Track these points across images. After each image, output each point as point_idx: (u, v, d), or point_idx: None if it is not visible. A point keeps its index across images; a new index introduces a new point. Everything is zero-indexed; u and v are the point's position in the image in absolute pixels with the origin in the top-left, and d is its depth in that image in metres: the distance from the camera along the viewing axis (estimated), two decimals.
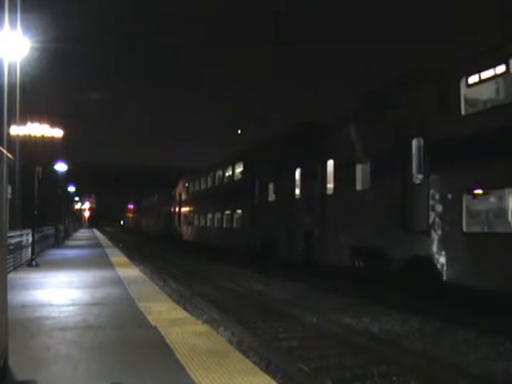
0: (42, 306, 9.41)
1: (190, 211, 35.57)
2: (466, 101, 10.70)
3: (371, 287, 13.38)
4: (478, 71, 10.36)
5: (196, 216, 33.38)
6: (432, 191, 11.32)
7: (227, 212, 26.44)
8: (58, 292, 11.27)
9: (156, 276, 18.62)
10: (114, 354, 5.97)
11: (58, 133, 33.72)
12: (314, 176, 16.80)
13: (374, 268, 13.28)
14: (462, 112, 10.67)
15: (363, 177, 14.11)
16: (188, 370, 5.24)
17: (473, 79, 10.48)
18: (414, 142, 11.89)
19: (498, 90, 10.57)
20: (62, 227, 42.02)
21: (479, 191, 10.75)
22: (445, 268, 10.87)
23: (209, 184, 30.88)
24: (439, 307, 11.08)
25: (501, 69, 9.84)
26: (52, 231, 32.52)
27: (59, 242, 34.91)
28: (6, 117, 17.51)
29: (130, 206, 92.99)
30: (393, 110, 12.77)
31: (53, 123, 31.31)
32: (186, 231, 36.31)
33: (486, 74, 10.23)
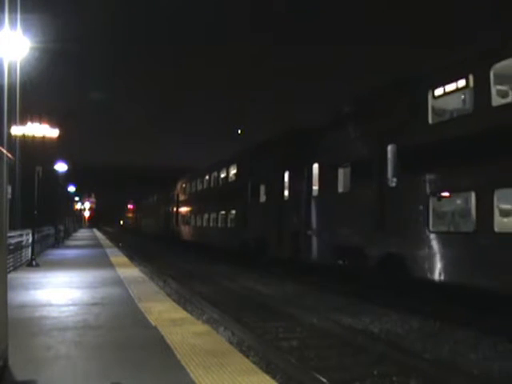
0: (42, 305, 9.41)
1: (187, 212, 36.37)
2: (433, 111, 11.66)
3: (352, 283, 13.73)
4: (443, 84, 11.38)
5: (193, 216, 34.21)
6: (404, 194, 12.29)
7: (222, 212, 27.23)
8: (58, 292, 11.27)
9: (156, 276, 18.63)
10: (114, 354, 5.97)
11: (58, 132, 33.73)
12: (301, 179, 17.65)
13: (353, 265, 14.16)
14: (430, 121, 11.60)
15: (344, 180, 15.00)
16: (188, 370, 5.24)
17: (439, 91, 11.48)
18: (389, 148, 12.78)
19: (460, 102, 11.66)
20: (62, 227, 42.03)
21: (444, 194, 11.62)
22: (414, 264, 11.80)
23: (205, 185, 31.80)
24: (439, 307, 11.10)
25: (462, 83, 10.89)
26: (52, 231, 32.52)
27: (59, 241, 34.90)
28: (6, 117, 17.51)
29: (130, 206, 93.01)
30: (370, 118, 13.72)
31: (53, 123, 31.30)
32: (184, 231, 37.08)
33: (450, 87, 11.24)
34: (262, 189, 21.51)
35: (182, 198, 38.69)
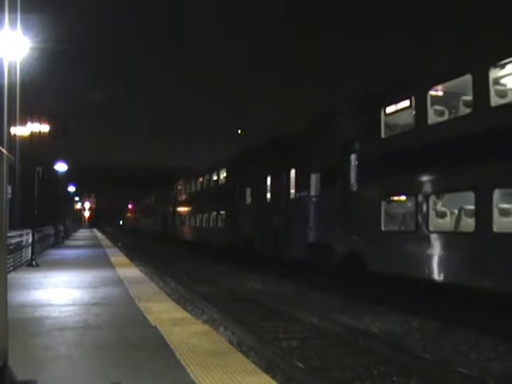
0: (42, 305, 9.41)
1: (182, 212, 38.07)
2: (386, 126, 13.29)
3: (319, 277, 14.35)
4: (392, 103, 13.09)
5: (188, 217, 35.97)
6: (362, 198, 13.90)
7: (213, 213, 29.02)
8: (58, 292, 11.27)
9: (156, 276, 18.63)
10: (113, 354, 5.97)
11: (57, 132, 33.74)
12: (280, 183, 19.37)
13: (324, 261, 15.40)
14: (382, 135, 13.29)
15: (316, 185, 16.63)
16: (188, 370, 5.24)
17: (389, 109, 13.19)
18: (352, 157, 14.39)
19: (405, 119, 12.93)
20: (62, 227, 42.03)
21: (393, 198, 13.46)
22: (369, 260, 13.36)
23: (198, 187, 33.61)
24: (439, 307, 11.10)
25: (406, 103, 12.55)
26: (52, 231, 32.51)
27: (59, 241, 34.91)
28: (6, 117, 17.51)
29: (130, 207, 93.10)
30: (337, 130, 15.47)
31: (53, 123, 31.31)
32: (180, 231, 38.62)
33: (398, 106, 12.92)
34: (248, 192, 23.18)
35: (177, 199, 40.28)
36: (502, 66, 10.47)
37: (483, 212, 9.99)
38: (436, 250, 11.38)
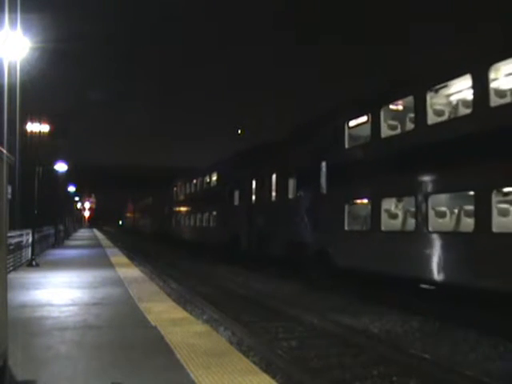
0: (42, 305, 9.41)
1: (178, 212, 39.90)
2: (349, 138, 15.02)
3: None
4: (354, 118, 14.92)
5: (183, 217, 37.85)
6: (330, 201, 15.53)
7: (206, 214, 30.84)
8: (58, 292, 11.27)
9: (156, 276, 18.63)
10: (113, 354, 5.97)
11: (58, 132, 33.73)
12: (263, 186, 21.06)
13: (299, 257, 17.03)
14: (346, 146, 15.03)
15: (293, 188, 18.29)
16: (188, 370, 5.24)
17: (351, 123, 14.93)
18: (323, 164, 15.94)
19: (364, 132, 14.52)
20: (62, 227, 42.03)
21: (354, 201, 15.00)
22: (334, 255, 15.01)
23: (193, 189, 35.56)
24: (439, 307, 11.10)
25: (364, 118, 14.40)
26: (52, 231, 32.52)
27: (59, 241, 34.90)
28: (6, 117, 17.51)
29: (129, 207, 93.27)
30: (310, 140, 17.17)
31: (53, 123, 31.29)
32: (176, 230, 40.31)
33: (358, 120, 14.74)
34: (236, 194, 24.85)
35: (174, 200, 42.01)
36: (437, 91, 12.11)
37: (422, 214, 11.71)
38: (388, 246, 12.98)
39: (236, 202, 24.88)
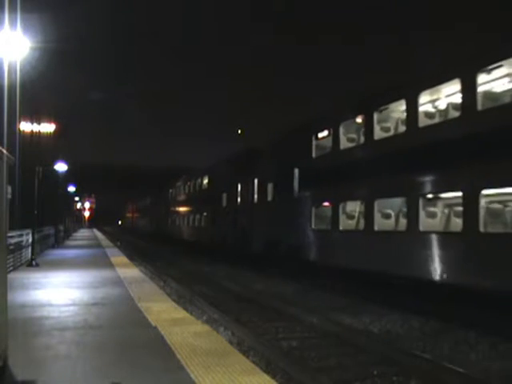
0: (42, 305, 9.41)
1: (174, 213, 42.28)
2: (316, 148, 17.16)
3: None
4: (319, 131, 17.20)
5: (178, 217, 40.19)
6: (301, 203, 17.56)
7: (198, 214, 33.16)
8: (58, 292, 11.26)
9: (156, 276, 18.63)
10: (114, 354, 5.96)
11: (57, 132, 33.72)
12: (247, 189, 23.19)
13: (276, 253, 19.14)
14: (313, 155, 17.15)
15: (271, 192, 20.44)
16: (188, 370, 5.24)
17: (319, 135, 17.22)
18: (295, 171, 17.97)
19: (327, 144, 16.58)
20: (62, 227, 42.01)
21: (319, 203, 17.04)
22: (303, 251, 17.21)
23: (187, 191, 37.91)
24: (439, 307, 11.10)
25: (327, 132, 16.78)
26: (52, 231, 32.49)
27: (59, 241, 34.88)
28: (6, 116, 17.51)
29: (129, 207, 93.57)
30: (285, 149, 19.50)
31: (53, 123, 31.29)
32: (172, 230, 42.56)
33: (323, 134, 17.06)
34: (224, 196, 26.98)
35: (169, 201, 44.53)
36: (381, 112, 14.31)
37: (370, 215, 13.85)
38: (345, 244, 15.16)
39: (224, 204, 27.03)
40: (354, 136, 15.67)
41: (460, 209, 11.43)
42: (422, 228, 12.03)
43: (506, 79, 11.07)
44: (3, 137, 16.97)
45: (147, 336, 6.88)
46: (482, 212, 10.39)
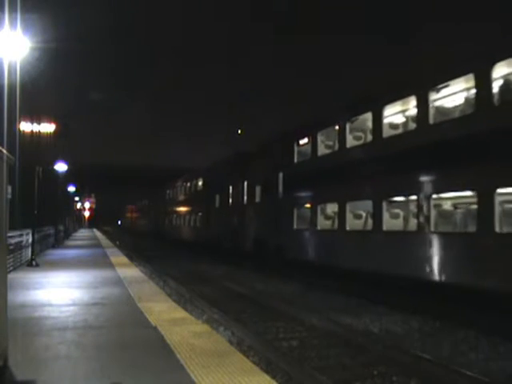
0: (42, 305, 9.41)
1: (170, 214, 43.92)
2: (298, 154, 18.75)
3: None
4: (301, 138, 18.69)
5: (174, 218, 41.89)
6: (284, 205, 19.03)
7: (193, 215, 34.72)
8: (58, 292, 11.26)
9: (156, 276, 18.63)
10: (114, 354, 5.97)
11: (57, 132, 33.70)
12: (238, 191, 24.67)
13: (263, 251, 20.63)
14: (295, 161, 18.78)
15: (259, 194, 22.00)
16: (188, 370, 5.24)
17: (300, 142, 18.74)
18: (280, 175, 19.62)
19: (307, 151, 18.15)
20: (62, 227, 42.01)
21: (300, 205, 18.37)
22: (287, 250, 18.69)
23: (182, 193, 39.64)
24: (439, 307, 11.10)
25: (306, 140, 18.32)
26: (52, 231, 32.48)
27: (59, 241, 34.88)
28: (6, 116, 17.50)
29: (129, 207, 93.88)
30: (270, 155, 21.02)
31: (53, 123, 31.28)
32: (169, 230, 44.23)
33: (304, 141, 18.54)
34: (217, 198, 28.47)
35: (166, 202, 46.18)
36: (353, 122, 15.70)
37: (343, 216, 15.36)
38: (322, 242, 16.79)
39: (217, 205, 28.52)
40: (330, 143, 17.24)
41: (415, 211, 12.71)
42: (385, 228, 13.56)
43: (452, 97, 12.42)
44: (3, 137, 16.97)
45: (147, 336, 6.88)
46: (433, 214, 11.84)
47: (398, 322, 10.46)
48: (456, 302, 10.94)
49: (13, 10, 15.06)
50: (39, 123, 27.43)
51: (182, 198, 39.46)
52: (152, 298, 10.29)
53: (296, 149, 18.73)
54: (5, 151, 5.24)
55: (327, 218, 17.00)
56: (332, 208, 16.69)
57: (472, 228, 11.21)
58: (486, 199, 10.31)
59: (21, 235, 18.65)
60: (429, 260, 11.73)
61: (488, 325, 9.58)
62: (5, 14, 14.53)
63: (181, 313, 8.85)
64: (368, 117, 14.68)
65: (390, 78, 16.69)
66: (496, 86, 10.56)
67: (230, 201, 25.97)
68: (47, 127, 29.82)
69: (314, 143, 17.46)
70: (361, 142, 15.58)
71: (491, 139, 10.24)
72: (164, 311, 8.77)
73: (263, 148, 22.50)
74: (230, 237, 25.21)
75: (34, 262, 18.26)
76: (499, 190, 10.12)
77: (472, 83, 11.03)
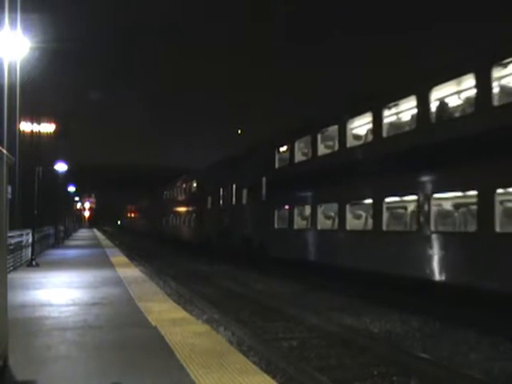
0: (42, 305, 9.41)
1: (167, 214, 45.68)
2: (278, 160, 20.50)
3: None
4: (282, 146, 20.45)
5: (171, 218, 43.77)
6: (267, 206, 20.87)
7: (188, 216, 36.60)
8: (58, 292, 11.27)
9: (156, 276, 18.63)
10: (113, 354, 5.96)
11: (57, 132, 33.71)
12: (228, 193, 26.38)
13: (248, 248, 22.43)
14: (276, 166, 20.56)
15: (246, 196, 23.85)
16: (188, 370, 5.24)
17: (281, 149, 20.54)
18: (263, 179, 21.42)
19: (286, 157, 19.86)
20: (62, 227, 42.02)
21: (281, 207, 20.13)
22: (269, 248, 20.50)
23: (178, 194, 41.52)
24: (439, 307, 11.10)
25: (286, 148, 20.01)
26: (52, 231, 32.49)
27: (59, 241, 34.90)
28: (6, 116, 17.51)
29: (128, 207, 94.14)
30: (255, 160, 22.70)
31: (53, 123, 31.28)
32: (166, 230, 46.01)
33: (284, 148, 20.22)
34: (209, 199, 30.29)
35: (163, 203, 47.90)
36: (323, 133, 17.35)
37: (315, 217, 17.13)
38: (298, 240, 18.27)
39: (209, 206, 30.35)
40: (305, 151, 18.89)
41: (371, 212, 14.48)
42: (348, 227, 15.38)
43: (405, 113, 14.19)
44: (3, 137, 16.97)
45: (147, 336, 6.88)
46: (385, 215, 13.71)
47: (398, 322, 10.45)
48: (456, 302, 10.94)
49: (13, 10, 15.08)
50: (39, 123, 27.43)
51: (177, 198, 41.17)
52: (152, 298, 10.29)
53: (277, 156, 20.61)
54: (5, 151, 5.24)
55: (303, 218, 18.65)
56: (307, 210, 18.38)
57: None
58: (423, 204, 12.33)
59: (21, 235, 18.66)
60: (383, 255, 13.75)
61: (488, 325, 9.58)
62: (5, 14, 14.53)
63: (181, 313, 8.85)
64: (335, 129, 16.54)
65: (352, 98, 19.31)
66: (434, 107, 12.47)
67: (221, 202, 27.72)
68: (47, 127, 29.86)
69: (291, 151, 19.32)
70: (330, 150, 17.21)
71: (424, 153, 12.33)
72: (164, 311, 8.77)
73: (249, 153, 24.28)
74: (221, 235, 26.94)
75: (33, 262, 18.27)
76: (435, 195, 12.13)
77: (414, 103, 13.01)
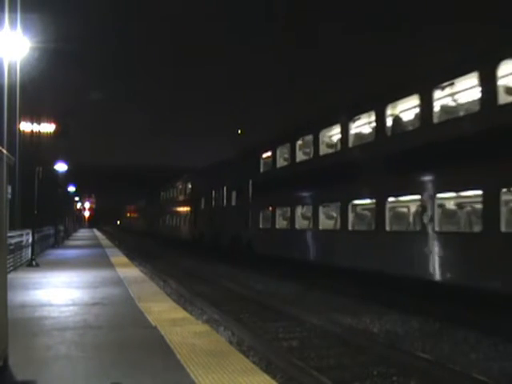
0: (42, 305, 9.41)
1: (163, 214, 47.61)
2: (263, 165, 22.13)
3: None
4: (266, 152, 21.92)
5: (167, 218, 45.72)
6: (254, 207, 22.54)
7: (182, 216, 38.57)
8: (58, 292, 11.27)
9: (156, 276, 18.63)
10: (114, 354, 5.97)
11: (57, 132, 33.72)
12: (219, 195, 28.16)
13: (238, 246, 24.08)
14: (261, 170, 22.18)
15: (235, 198, 25.59)
16: (188, 370, 5.24)
17: (264, 155, 22.07)
18: (250, 182, 23.04)
19: (269, 163, 21.50)
20: (62, 227, 42.01)
21: (264, 207, 21.68)
22: (255, 246, 22.17)
23: (174, 195, 43.49)
24: (439, 307, 11.10)
25: (269, 154, 21.53)
26: (52, 231, 32.48)
27: (59, 241, 34.88)
28: (6, 116, 17.51)
29: (128, 208, 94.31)
30: (243, 165, 24.32)
31: (53, 123, 31.28)
32: (163, 229, 47.67)
33: (267, 154, 21.79)
34: (203, 200, 32.07)
35: (160, 203, 49.87)
36: (303, 140, 18.96)
37: (293, 218, 18.75)
38: (280, 239, 19.87)
39: (202, 207, 32.01)
40: (286, 156, 20.25)
41: (339, 213, 16.06)
42: (321, 227, 17.09)
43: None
44: (3, 137, 16.98)
45: (147, 336, 6.88)
46: (351, 217, 15.32)
47: (398, 322, 10.45)
48: (456, 302, 10.94)
49: (13, 10, 15.08)
50: (39, 123, 27.44)
51: (174, 199, 43.06)
52: (152, 298, 10.29)
53: (262, 161, 22.24)
54: (5, 151, 5.24)
55: (284, 218, 20.19)
56: (286, 211, 19.92)
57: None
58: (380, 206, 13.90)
59: (21, 235, 18.65)
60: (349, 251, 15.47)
61: (488, 325, 9.58)
62: (5, 14, 14.53)
63: (181, 313, 8.85)
64: (310, 138, 18.04)
65: (325, 109, 21.97)
66: (390, 121, 14.04)
67: (213, 203, 29.42)
68: (47, 127, 29.86)
69: (274, 156, 20.93)
70: (307, 157, 18.70)
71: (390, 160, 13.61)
72: (164, 311, 8.77)
73: (238, 157, 26.05)
74: (213, 234, 28.86)
75: (33, 262, 18.27)
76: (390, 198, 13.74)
77: (373, 118, 14.74)
